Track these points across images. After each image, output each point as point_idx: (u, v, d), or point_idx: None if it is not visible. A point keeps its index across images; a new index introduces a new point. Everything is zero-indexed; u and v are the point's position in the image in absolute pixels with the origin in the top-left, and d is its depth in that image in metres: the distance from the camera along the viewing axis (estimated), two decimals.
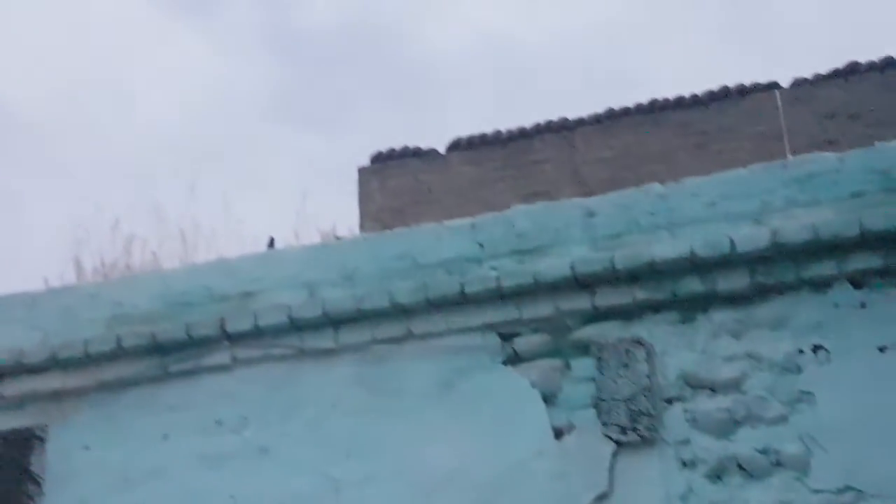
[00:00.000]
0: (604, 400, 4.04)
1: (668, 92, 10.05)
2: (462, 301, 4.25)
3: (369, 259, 4.48)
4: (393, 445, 4.21)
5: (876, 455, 3.75)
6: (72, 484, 4.44)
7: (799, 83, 9.32)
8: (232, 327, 4.46)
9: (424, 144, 10.02)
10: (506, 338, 4.24)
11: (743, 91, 9.18)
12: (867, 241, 3.93)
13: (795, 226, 4.01)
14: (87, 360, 4.55)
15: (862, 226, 3.91)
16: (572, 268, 4.14)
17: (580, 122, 9.87)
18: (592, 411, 4.03)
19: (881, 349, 3.88)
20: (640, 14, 32.44)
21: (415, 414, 4.24)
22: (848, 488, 3.71)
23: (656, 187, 4.31)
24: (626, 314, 4.15)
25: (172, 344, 4.52)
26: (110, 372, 4.55)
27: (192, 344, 4.50)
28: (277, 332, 4.44)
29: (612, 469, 3.94)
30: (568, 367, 4.15)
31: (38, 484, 4.45)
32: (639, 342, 4.09)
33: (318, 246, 4.80)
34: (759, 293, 4.04)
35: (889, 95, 7.93)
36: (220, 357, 4.51)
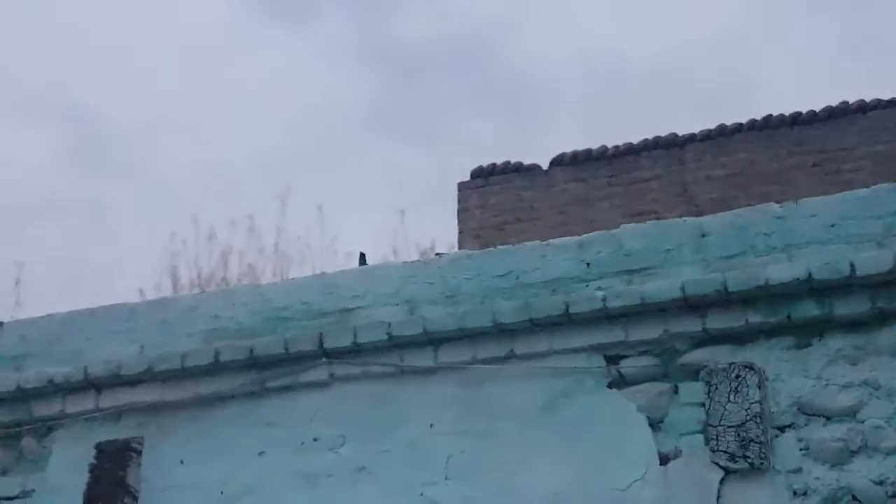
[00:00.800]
0: (713, 426, 4.06)
1: (784, 108, 9.87)
2: (567, 321, 4.31)
3: (471, 277, 4.55)
4: (492, 468, 4.26)
5: None
6: (167, 499, 4.58)
7: None
8: (330, 343, 4.56)
9: (526, 159, 9.97)
10: (611, 360, 4.30)
11: (864, 108, 8.98)
12: None
13: None
14: (185, 374, 4.69)
15: None
16: (682, 289, 4.18)
17: (690, 139, 9.73)
18: (700, 437, 4.07)
19: None
20: (754, 26, 31.61)
21: (516, 437, 4.28)
22: None
23: (773, 207, 4.35)
24: (737, 338, 4.18)
25: (270, 359, 4.62)
26: (207, 386, 4.69)
27: (290, 360, 4.60)
28: (376, 349, 4.54)
29: (719, 498, 3.98)
30: (676, 391, 4.21)
31: (134, 497, 4.56)
32: (750, 367, 4.09)
33: (419, 262, 4.88)
34: (880, 318, 4.03)
35: None
36: (318, 374, 4.60)
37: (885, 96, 9.10)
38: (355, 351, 4.55)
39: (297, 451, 4.49)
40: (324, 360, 4.58)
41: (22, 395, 4.84)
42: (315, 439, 4.52)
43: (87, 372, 4.76)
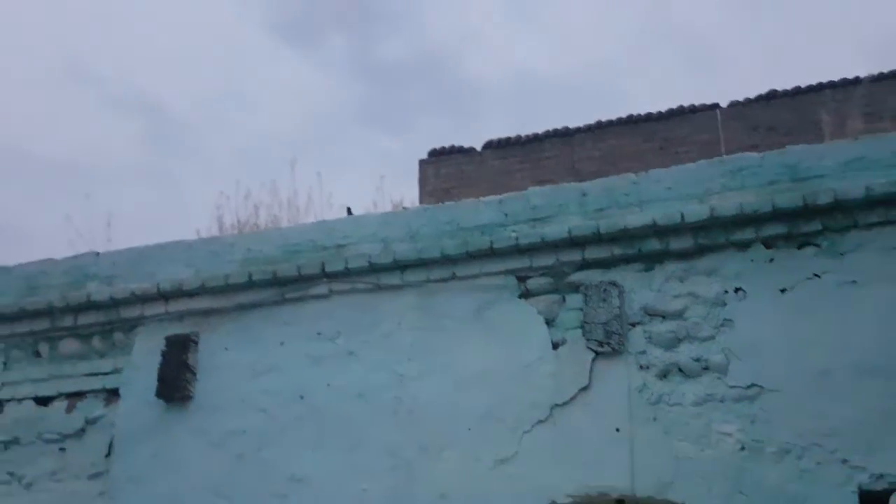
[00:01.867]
0: (588, 323, 4.13)
1: (641, 109, 10.08)
2: (491, 254, 4.34)
3: (427, 223, 4.58)
4: (440, 353, 4.31)
5: (773, 362, 3.84)
6: (215, 374, 4.63)
7: (733, 104, 9.26)
8: (329, 268, 4.57)
9: (467, 144, 10.11)
10: (521, 279, 4.32)
11: (694, 109, 9.16)
12: (777, 215, 4.00)
13: (727, 204, 4.07)
14: (227, 289, 4.72)
15: (774, 204, 3.99)
16: (569, 232, 4.23)
17: (578, 130, 9.87)
18: (579, 331, 4.13)
19: (782, 290, 3.95)
20: (627, 53, 33.29)
21: (456, 331, 4.33)
22: (753, 385, 3.83)
23: (631, 176, 4.41)
24: (605, 264, 4.22)
25: (287, 279, 4.63)
26: (243, 297, 4.70)
27: (301, 279, 4.61)
28: (361, 272, 4.53)
29: (591, 370, 4.06)
30: (564, 300, 4.24)
31: (193, 373, 4.62)
32: (613, 283, 4.17)
33: (391, 213, 4.87)
34: (699, 251, 4.11)
35: (797, 114, 8.00)
36: (321, 289, 4.59)
37: (709, 101, 9.34)
38: (346, 273, 4.56)
39: (307, 341, 4.53)
40: (324, 279, 4.60)
41: (113, 303, 4.87)
42: (318, 333, 4.54)
43: (158, 287, 4.81)
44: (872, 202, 3.92)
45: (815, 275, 3.96)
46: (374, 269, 4.55)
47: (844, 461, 3.62)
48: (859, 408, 3.68)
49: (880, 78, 8.35)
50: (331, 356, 4.49)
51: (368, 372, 4.39)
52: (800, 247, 4.03)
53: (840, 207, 3.97)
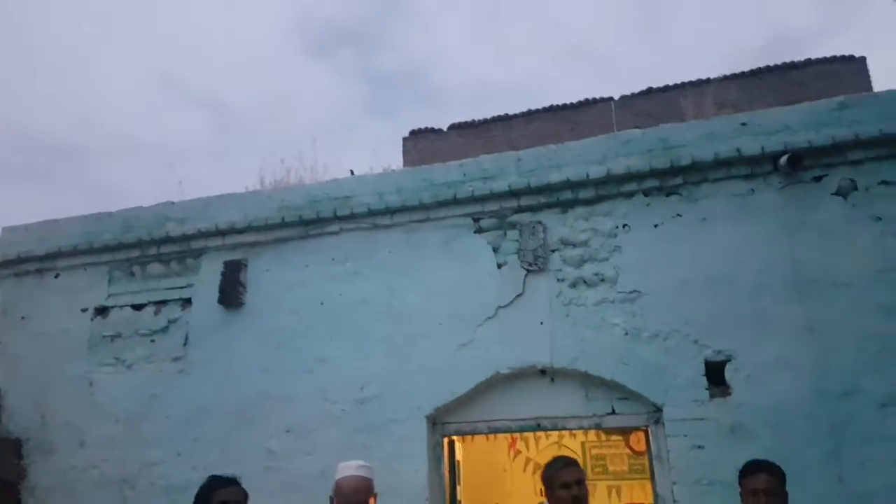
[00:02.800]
0: (521, 250, 4.17)
1: (561, 100, 10.11)
2: (454, 202, 4.35)
3: (409, 181, 4.55)
4: (420, 273, 4.32)
5: (649, 275, 3.89)
6: (260, 288, 4.61)
7: (623, 97, 9.31)
8: (340, 213, 4.55)
9: (437, 126, 10.07)
10: (475, 220, 4.33)
11: (595, 101, 9.18)
12: (653, 173, 4.03)
13: (618, 166, 4.09)
14: (267, 227, 4.69)
15: (650, 166, 4.04)
16: (509, 186, 4.25)
17: (515, 116, 9.86)
18: (516, 256, 4.17)
19: (655, 225, 3.99)
20: (552, 63, 33.79)
21: (432, 258, 4.34)
22: (634, 291, 3.91)
23: (552, 148, 4.40)
24: (534, 209, 4.23)
25: (310, 220, 4.60)
26: (279, 234, 4.67)
27: (320, 221, 4.60)
28: (362, 216, 4.53)
29: (524, 283, 4.11)
30: (505, 235, 4.25)
31: (244, 287, 4.63)
32: (539, 222, 4.19)
33: (383, 174, 4.80)
34: (599, 199, 4.12)
35: (667, 104, 8.05)
36: (334, 228, 4.57)
37: (604, 95, 9.38)
38: (352, 217, 4.54)
39: (324, 265, 4.53)
40: (336, 221, 4.60)
41: (184, 238, 4.88)
42: (332, 259, 4.52)
43: (217, 226, 4.81)
44: (719, 163, 3.99)
45: (678, 214, 4.01)
46: (371, 213, 4.55)
47: (696, 341, 3.73)
48: (707, 305, 3.77)
49: (725, 79, 8.43)
50: (341, 275, 4.50)
51: (369, 286, 4.41)
52: (668, 195, 4.06)
53: (696, 167, 4.02)
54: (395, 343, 4.22)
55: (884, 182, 3.74)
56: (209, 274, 4.78)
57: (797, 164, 3.82)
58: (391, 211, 4.52)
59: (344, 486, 2.72)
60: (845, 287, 3.59)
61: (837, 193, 3.80)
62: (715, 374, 3.64)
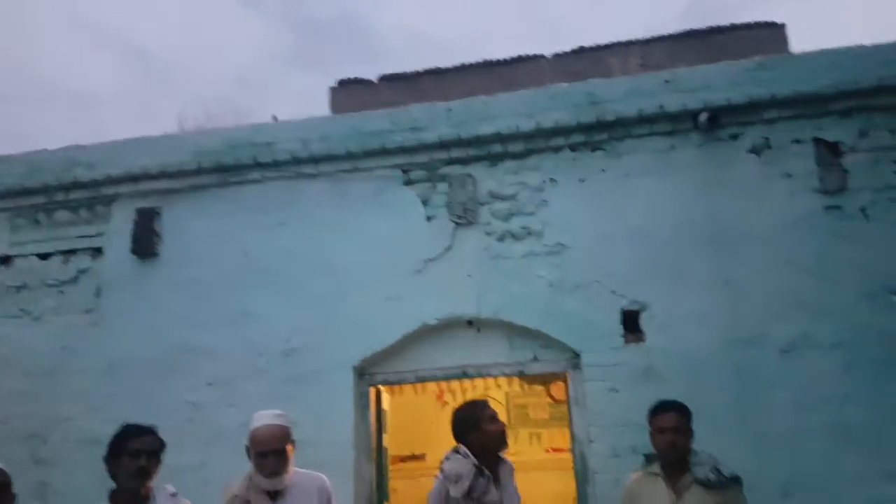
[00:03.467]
0: (451, 203, 4.18)
1: (490, 55, 10.05)
2: (383, 152, 4.29)
3: (335, 128, 4.44)
4: (349, 222, 4.25)
5: (573, 229, 3.99)
6: (176, 237, 4.45)
7: (554, 55, 9.33)
8: (261, 160, 4.40)
9: (366, 76, 9.84)
10: (405, 172, 4.28)
11: (527, 58, 9.16)
12: (579, 128, 4.08)
13: (546, 120, 4.10)
14: (182, 174, 4.51)
15: (577, 121, 4.08)
16: (439, 138, 4.22)
17: (448, 70, 9.72)
18: (446, 209, 4.17)
19: (581, 180, 4.07)
20: (489, 20, 33.85)
21: (359, 209, 4.28)
22: (559, 244, 3.98)
23: (483, 98, 4.34)
24: (463, 161, 4.23)
25: (228, 167, 4.45)
26: (195, 181, 4.51)
27: (240, 168, 4.45)
28: (285, 163, 4.40)
29: (453, 236, 4.13)
30: (435, 187, 4.24)
31: (159, 237, 4.46)
32: (469, 175, 4.21)
33: (308, 119, 4.62)
34: (527, 153, 4.15)
35: (595, 62, 8.08)
36: (255, 175, 4.44)
37: (538, 53, 9.37)
38: (274, 164, 4.41)
39: (246, 214, 4.40)
40: (257, 168, 4.45)
41: (94, 183, 4.63)
42: (255, 208, 4.39)
43: (128, 171, 4.59)
44: (642, 120, 4.07)
45: (602, 170, 4.08)
46: (295, 161, 4.41)
47: (614, 292, 3.85)
48: (627, 257, 3.89)
49: (650, 41, 8.60)
50: (265, 225, 4.37)
51: (294, 237, 4.31)
52: (593, 150, 4.13)
53: (620, 123, 4.08)
54: (322, 295, 4.17)
55: (795, 140, 3.95)
56: (121, 222, 4.58)
57: (715, 122, 3.98)
58: (316, 159, 4.40)
59: (259, 434, 2.70)
60: (756, 241, 3.80)
61: (752, 151, 3.99)
62: (631, 323, 3.78)
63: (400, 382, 4.26)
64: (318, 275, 4.21)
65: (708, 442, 3.04)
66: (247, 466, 2.82)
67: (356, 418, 3.99)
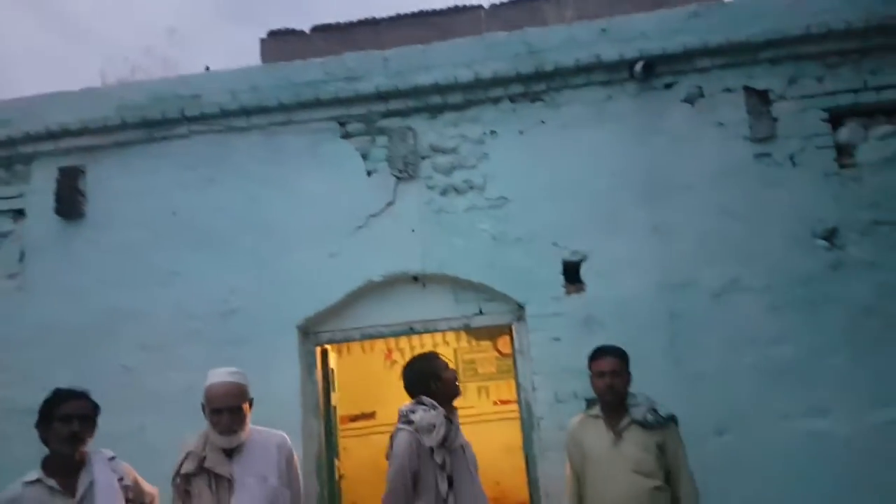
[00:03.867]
0: (391, 157, 4.12)
1: (426, 5, 9.75)
2: (318, 104, 4.17)
3: (266, 78, 4.29)
4: (284, 178, 4.14)
5: (514, 182, 4.00)
6: (102, 197, 4.27)
7: (491, 6, 9.20)
8: (188, 113, 4.23)
9: (298, 27, 9.50)
10: (342, 124, 4.19)
11: (465, 9, 9.01)
12: (518, 79, 4.06)
13: (485, 70, 4.08)
14: (105, 130, 4.31)
15: (517, 71, 4.05)
16: (376, 88, 4.13)
17: (382, 20, 9.48)
18: (386, 163, 4.10)
19: (520, 132, 4.07)
20: None
21: (294, 164, 4.17)
22: (501, 197, 4.00)
23: (420, 47, 4.25)
24: (403, 113, 4.16)
25: (154, 121, 4.27)
26: (119, 136, 4.33)
27: (166, 122, 4.27)
28: (214, 117, 4.24)
29: (395, 191, 4.09)
30: (374, 140, 4.17)
31: (84, 196, 4.28)
32: (409, 128, 4.14)
33: (237, 69, 4.45)
34: (467, 104, 4.12)
35: (532, 12, 7.98)
36: (182, 130, 4.27)
37: (476, 4, 9.21)
38: (202, 117, 4.25)
39: (174, 171, 4.23)
40: (185, 122, 4.28)
41: (11, 142, 4.38)
42: (183, 164, 4.22)
43: (47, 128, 4.35)
44: (579, 69, 4.06)
45: (542, 121, 4.08)
46: (224, 114, 4.24)
47: (555, 244, 3.90)
48: (568, 210, 3.93)
49: None
50: (194, 182, 4.21)
51: (226, 194, 4.17)
52: (532, 101, 4.10)
53: (558, 73, 4.06)
54: (259, 254, 4.08)
55: (727, 89, 4.04)
56: (43, 182, 4.34)
57: (650, 71, 4.03)
58: (247, 112, 4.24)
59: (213, 391, 2.67)
60: (689, 189, 3.90)
61: (686, 100, 4.06)
62: (571, 273, 3.86)
63: (346, 341, 4.26)
64: (254, 233, 4.11)
65: (645, 384, 3.19)
66: (190, 428, 2.80)
67: (302, 378, 3.98)
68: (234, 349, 3.92)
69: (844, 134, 3.93)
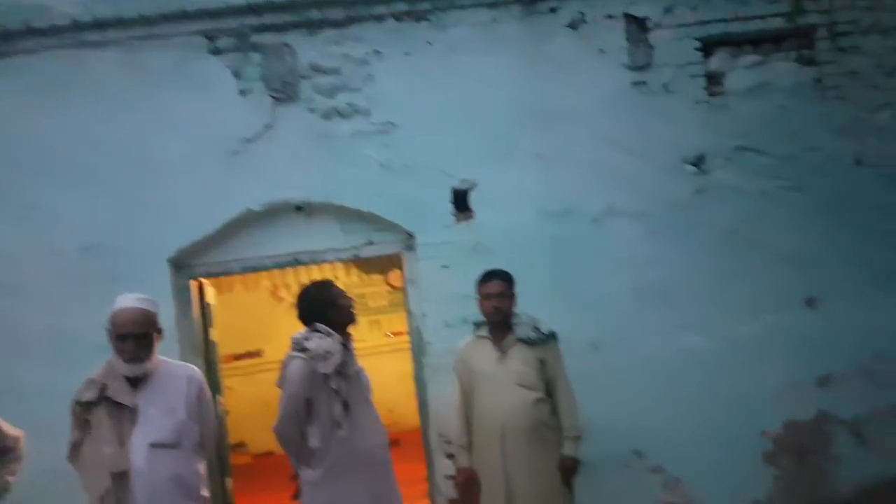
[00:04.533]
0: (267, 75, 3.87)
1: None
2: (184, 16, 3.84)
3: None
4: (149, 98, 3.84)
5: (401, 107, 3.89)
6: None
7: None
8: (34, 25, 3.79)
9: None
10: (211, 39, 3.89)
11: None
12: None
13: None
14: None
15: None
16: (248, 1, 3.83)
17: None
18: (261, 82, 3.86)
19: (406, 53, 3.92)
20: None
21: (158, 83, 3.85)
22: (388, 122, 3.88)
23: None
24: (279, 29, 3.90)
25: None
26: None
27: (9, 36, 3.81)
28: (66, 30, 3.83)
29: (273, 113, 3.85)
30: (247, 57, 3.90)
31: None
32: (286, 45, 3.91)
33: None
34: (349, 21, 3.92)
35: None
36: (28, 45, 3.83)
37: None
38: (53, 31, 3.82)
39: (20, 93, 3.80)
40: (31, 36, 3.79)
41: None
42: (31, 84, 3.82)
43: None
44: None
45: (428, 42, 3.96)
46: (77, 27, 3.83)
47: (444, 171, 3.86)
48: (456, 137, 3.87)
49: None
50: (45, 105, 3.82)
51: (84, 118, 3.82)
52: (417, 20, 3.96)
53: None
54: (124, 183, 3.80)
55: (608, 16, 4.04)
56: None
57: None
58: (102, 25, 3.86)
59: (120, 316, 2.56)
60: (572, 116, 3.93)
61: (570, 26, 4.03)
62: (460, 201, 3.87)
63: (225, 274, 4.10)
64: (116, 160, 3.81)
65: (529, 305, 3.33)
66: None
67: (177, 313, 3.83)
68: (101, 286, 3.59)
69: (715, 63, 4.09)
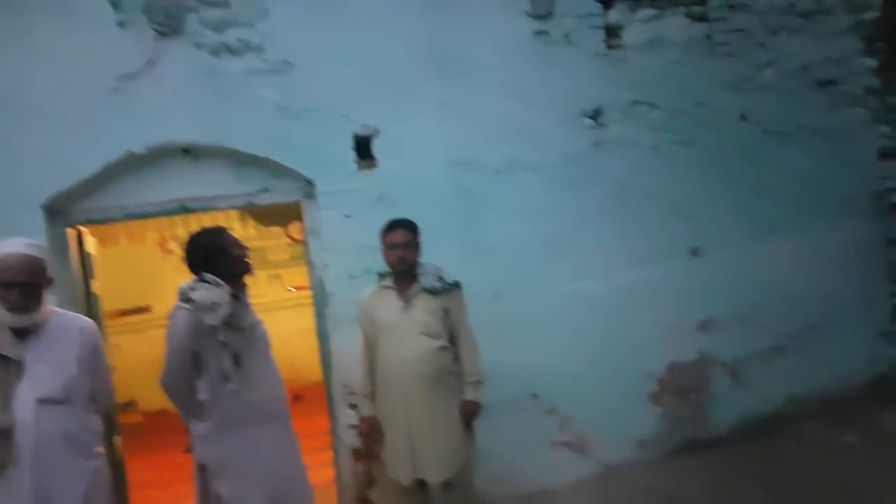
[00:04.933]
0: (149, 6, 3.55)
1: None
2: None
3: None
4: (10, 30, 3.43)
5: (299, 46, 3.68)
6: None
7: None
8: None
9: None
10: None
11: None
12: None
13: None
14: None
15: None
16: None
17: None
18: (143, 14, 3.55)
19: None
20: None
21: (24, 11, 3.42)
22: (285, 61, 3.67)
23: None
24: None
25: None
26: None
27: None
28: None
29: (155, 47, 3.57)
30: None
31: None
32: None
33: None
34: None
35: None
36: None
37: None
38: None
39: None
40: None
41: None
42: None
43: None
44: None
45: None
46: None
47: (345, 116, 3.72)
48: (358, 80, 3.72)
49: None
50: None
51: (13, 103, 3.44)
52: None
53: None
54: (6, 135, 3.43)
55: None
56: None
57: None
58: None
59: (4, 262, 2.34)
60: (475, 65, 3.87)
61: None
62: (363, 148, 3.75)
63: (106, 221, 3.78)
64: None
65: (434, 255, 3.29)
66: None
67: (56, 263, 3.43)
68: None
69: (613, 15, 4.15)
